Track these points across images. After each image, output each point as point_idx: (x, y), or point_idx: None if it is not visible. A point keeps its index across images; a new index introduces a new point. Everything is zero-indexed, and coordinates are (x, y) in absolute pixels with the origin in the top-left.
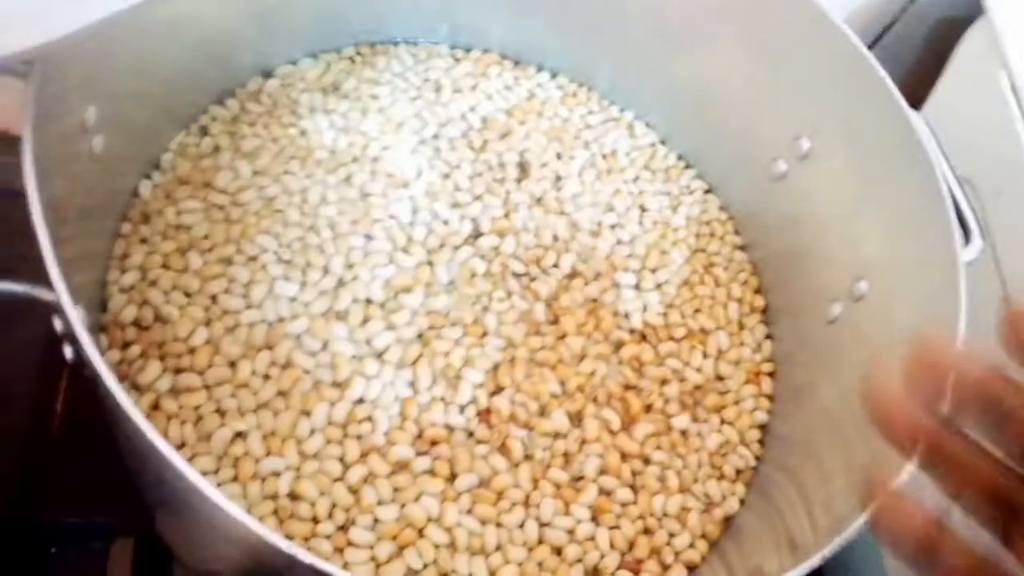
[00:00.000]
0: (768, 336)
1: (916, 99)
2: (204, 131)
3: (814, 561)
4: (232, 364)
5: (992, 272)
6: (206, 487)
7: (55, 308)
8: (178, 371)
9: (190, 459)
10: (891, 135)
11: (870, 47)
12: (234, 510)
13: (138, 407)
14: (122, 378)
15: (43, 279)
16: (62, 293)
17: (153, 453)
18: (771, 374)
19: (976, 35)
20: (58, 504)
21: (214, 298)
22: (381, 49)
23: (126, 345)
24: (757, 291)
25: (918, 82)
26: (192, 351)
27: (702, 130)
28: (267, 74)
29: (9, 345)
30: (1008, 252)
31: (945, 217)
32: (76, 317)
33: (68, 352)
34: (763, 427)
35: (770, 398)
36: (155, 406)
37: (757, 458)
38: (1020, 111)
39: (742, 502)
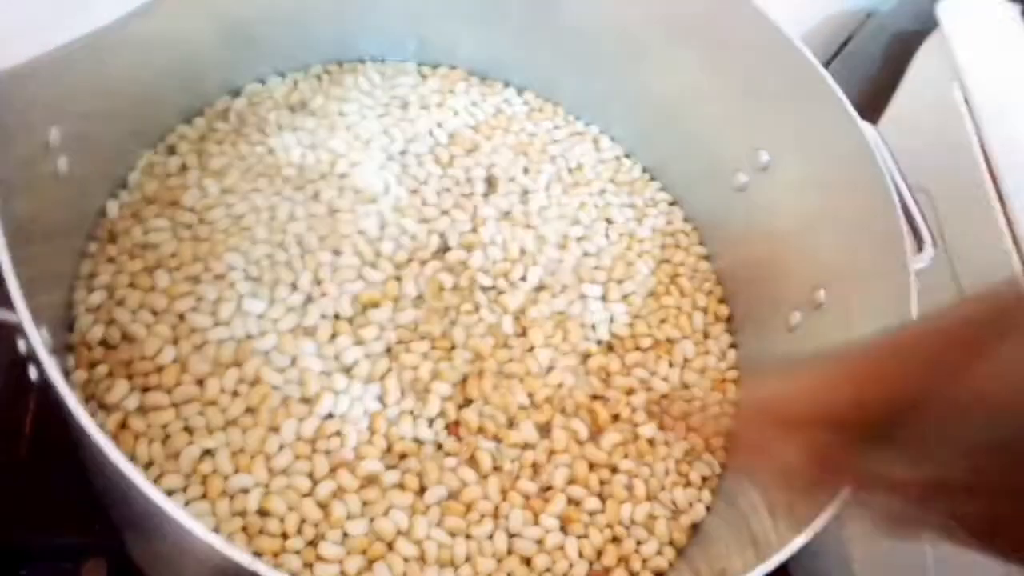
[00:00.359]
0: (732, 345)
1: (875, 111)
2: (171, 150)
3: (777, 559)
4: (200, 382)
5: (949, 279)
6: (170, 506)
7: (18, 329)
8: (146, 390)
9: (158, 477)
10: (844, 147)
11: (830, 61)
12: (198, 529)
13: (104, 427)
14: (89, 398)
15: (6, 301)
16: (24, 314)
17: (119, 475)
18: (736, 381)
19: (930, 48)
20: (28, 525)
21: (182, 316)
22: (348, 67)
23: (93, 364)
24: (721, 300)
25: (877, 94)
26: (160, 369)
27: (666, 143)
28: (235, 93)
29: None
30: (963, 259)
31: (896, 226)
32: (38, 339)
33: (33, 373)
34: (728, 434)
35: (735, 405)
36: (123, 425)
37: (722, 465)
38: (973, 122)
39: (708, 508)
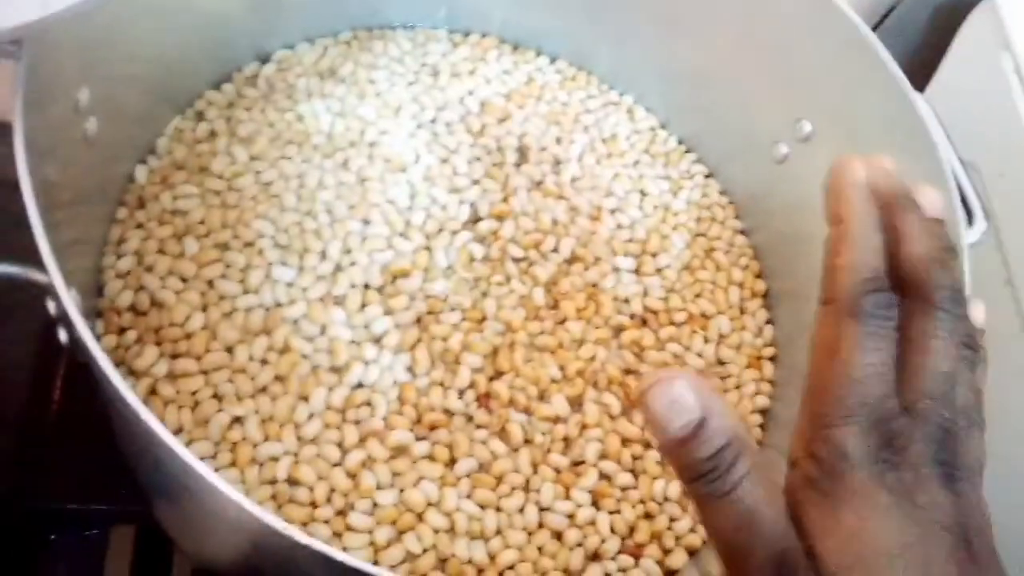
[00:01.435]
0: (769, 321)
1: (920, 81)
2: (200, 116)
3: None
4: (229, 349)
5: (995, 254)
6: (203, 469)
7: (49, 291)
8: (175, 356)
9: (187, 444)
10: (894, 118)
11: (873, 29)
12: (231, 492)
13: (134, 392)
14: (118, 363)
15: (39, 263)
16: (55, 275)
17: (150, 438)
18: (772, 359)
19: (979, 17)
20: (56, 490)
21: (211, 283)
22: (378, 34)
23: (122, 330)
24: (758, 275)
25: (922, 64)
26: (189, 336)
27: (702, 114)
28: (263, 59)
29: (6, 331)
30: (1011, 233)
31: (949, 200)
32: (69, 299)
33: (63, 336)
34: (764, 412)
35: (772, 383)
36: (152, 391)
37: (759, 443)
38: (1023, 93)
39: None
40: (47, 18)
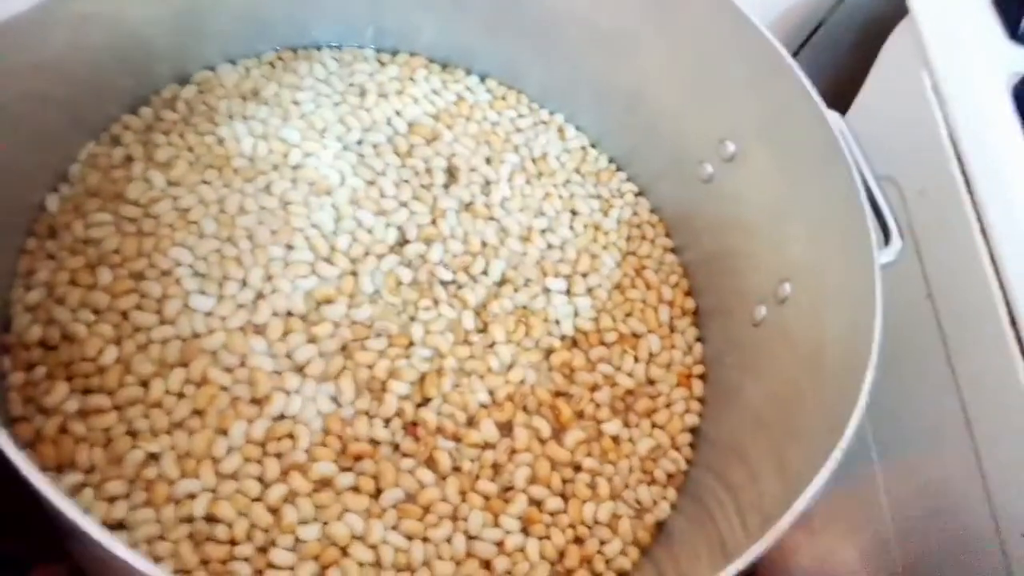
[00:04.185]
0: (698, 338)
1: (847, 98)
2: (116, 140)
3: (744, 561)
4: (144, 383)
5: (916, 268)
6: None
7: None
8: (87, 392)
9: (99, 483)
10: (810, 137)
11: (800, 48)
12: (108, 541)
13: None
14: (28, 401)
15: None
16: None
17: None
18: (702, 376)
19: (900, 36)
20: None
21: (125, 314)
22: (303, 54)
23: (31, 366)
24: (687, 294)
25: (849, 81)
26: (102, 370)
27: (632, 133)
28: (183, 80)
29: None
30: (931, 252)
31: (862, 219)
32: None
33: None
34: (694, 430)
35: (701, 400)
36: (63, 429)
37: (688, 461)
38: (942, 112)
39: (673, 506)
40: None
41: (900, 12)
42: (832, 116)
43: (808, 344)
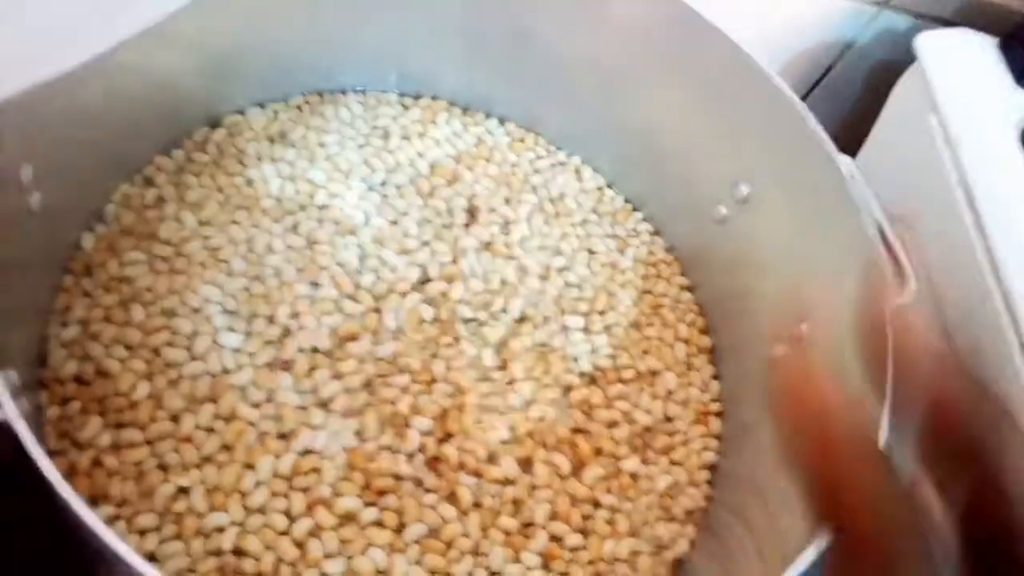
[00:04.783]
0: (715, 376)
1: (856, 141)
2: (149, 181)
3: None
4: (175, 418)
5: (934, 312)
6: (122, 548)
7: None
8: (119, 426)
9: (131, 516)
10: (821, 180)
11: (811, 90)
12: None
13: (77, 465)
14: (63, 435)
15: None
16: None
17: (79, 522)
18: (719, 414)
19: (908, 80)
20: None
21: (156, 351)
22: (329, 98)
23: (66, 401)
24: (703, 331)
25: (858, 125)
26: (134, 405)
27: (648, 174)
28: (214, 123)
29: None
30: (946, 292)
31: (877, 261)
32: (1, 383)
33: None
34: (712, 467)
35: (718, 438)
36: (96, 462)
37: (706, 498)
38: (952, 155)
39: (692, 543)
40: None
41: (908, 58)
42: (844, 159)
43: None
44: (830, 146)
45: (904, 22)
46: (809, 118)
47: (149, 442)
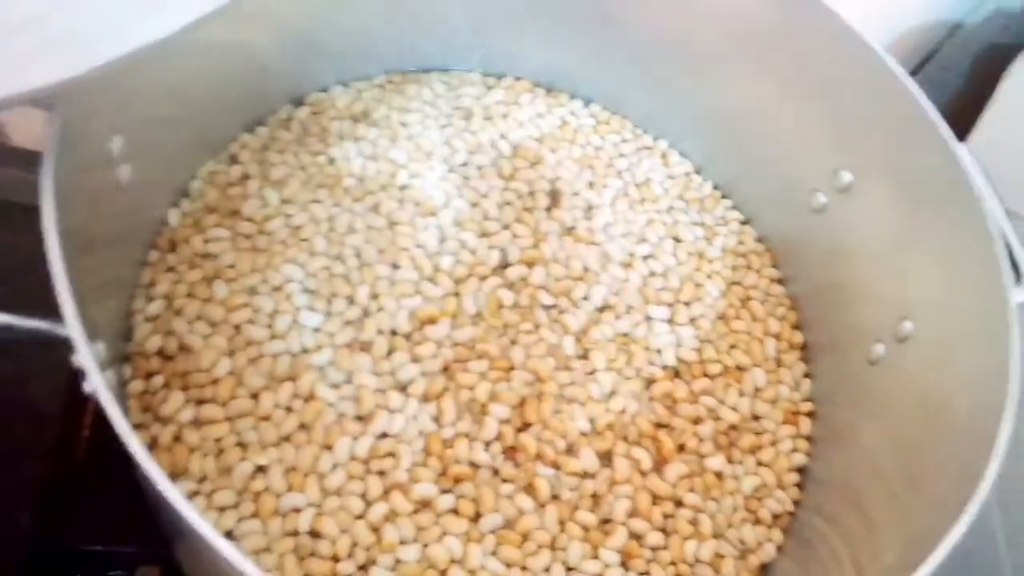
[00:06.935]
0: (807, 374)
1: (961, 128)
2: (233, 159)
3: None
4: (254, 396)
5: None
6: (207, 532)
7: (70, 344)
8: (200, 402)
9: (211, 493)
10: (936, 169)
11: (913, 74)
12: (232, 555)
13: (158, 439)
14: (145, 409)
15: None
16: (75, 330)
17: (158, 488)
18: (810, 414)
19: (1023, 65)
20: (82, 531)
21: (238, 328)
22: (412, 77)
23: (150, 375)
24: (796, 327)
25: (964, 110)
26: (215, 382)
27: (738, 160)
28: (297, 102)
29: (38, 369)
30: None
31: (994, 255)
32: (89, 355)
33: (87, 385)
34: (801, 470)
35: (809, 440)
36: (177, 438)
37: (795, 503)
38: None
39: (779, 549)
40: (80, 77)
41: (1020, 42)
42: (959, 147)
43: (932, 387)
44: (947, 133)
45: (1018, 2)
46: (924, 103)
47: (229, 419)
